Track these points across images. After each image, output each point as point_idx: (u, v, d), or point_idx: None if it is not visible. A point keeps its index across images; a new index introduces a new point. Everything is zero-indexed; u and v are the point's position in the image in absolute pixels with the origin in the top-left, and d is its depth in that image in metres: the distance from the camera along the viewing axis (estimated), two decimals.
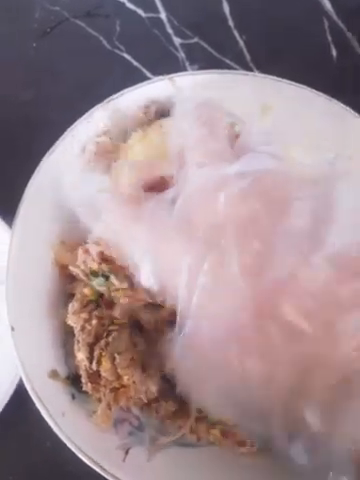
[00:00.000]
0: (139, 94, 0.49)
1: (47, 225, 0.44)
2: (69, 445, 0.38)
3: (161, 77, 0.50)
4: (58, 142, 0.47)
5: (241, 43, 0.65)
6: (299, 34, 0.65)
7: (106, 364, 0.39)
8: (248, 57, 0.65)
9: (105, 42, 0.65)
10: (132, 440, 0.41)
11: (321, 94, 0.50)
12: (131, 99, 0.49)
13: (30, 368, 0.40)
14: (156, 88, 0.49)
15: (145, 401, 0.41)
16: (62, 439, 0.38)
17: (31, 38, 0.64)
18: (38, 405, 0.39)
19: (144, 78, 0.63)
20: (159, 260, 0.38)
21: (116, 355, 0.40)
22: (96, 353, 0.40)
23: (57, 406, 0.40)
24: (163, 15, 0.66)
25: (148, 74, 0.63)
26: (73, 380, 0.42)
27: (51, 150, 0.46)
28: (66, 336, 0.43)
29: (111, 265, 0.40)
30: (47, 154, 0.46)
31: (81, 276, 0.42)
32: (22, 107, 0.61)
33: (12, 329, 0.41)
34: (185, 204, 0.38)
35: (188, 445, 0.41)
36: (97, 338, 0.41)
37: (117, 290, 0.40)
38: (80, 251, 0.42)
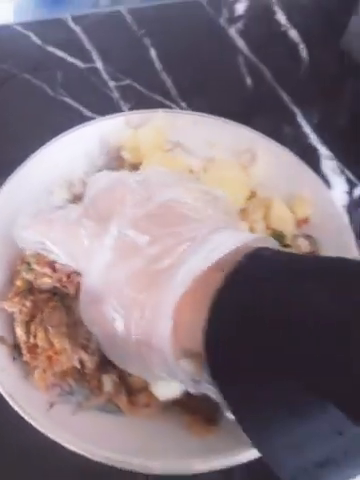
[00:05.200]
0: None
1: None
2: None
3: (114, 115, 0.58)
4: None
5: (168, 82, 0.75)
6: (218, 69, 0.75)
7: (40, 334, 0.44)
8: (175, 92, 0.74)
9: (49, 90, 0.74)
10: (59, 399, 0.45)
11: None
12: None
13: None
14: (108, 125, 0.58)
15: (78, 366, 0.45)
16: None
17: None
18: None
19: (81, 116, 0.72)
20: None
21: (49, 327, 0.45)
22: (32, 328, 0.45)
23: None
24: (99, 64, 0.76)
25: (85, 111, 0.72)
26: (16, 347, 0.46)
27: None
28: None
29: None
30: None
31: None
32: None
33: None
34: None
35: (109, 412, 0.45)
36: (33, 317, 0.46)
37: (42, 276, 0.45)
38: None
